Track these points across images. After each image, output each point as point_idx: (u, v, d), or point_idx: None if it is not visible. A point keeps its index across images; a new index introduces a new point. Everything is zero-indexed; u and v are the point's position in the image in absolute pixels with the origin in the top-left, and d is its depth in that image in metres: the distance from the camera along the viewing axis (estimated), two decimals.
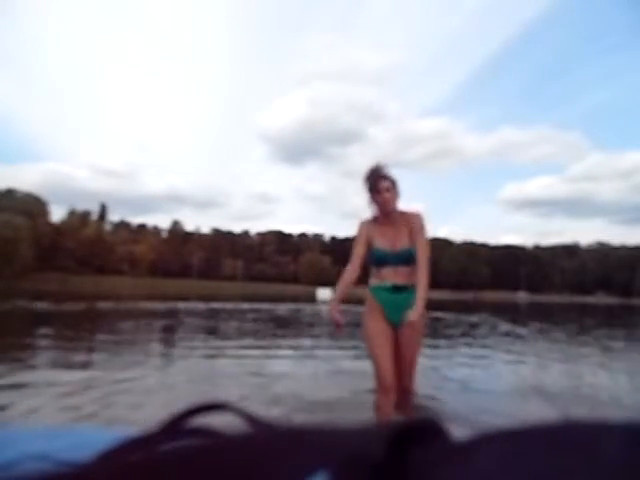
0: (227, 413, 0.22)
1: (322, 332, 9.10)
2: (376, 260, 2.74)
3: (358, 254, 2.74)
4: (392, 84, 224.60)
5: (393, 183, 2.69)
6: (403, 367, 2.70)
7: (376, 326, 2.72)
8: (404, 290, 2.70)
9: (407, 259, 2.69)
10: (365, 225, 2.79)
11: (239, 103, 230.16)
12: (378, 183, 2.66)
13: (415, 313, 2.53)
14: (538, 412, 3.46)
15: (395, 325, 2.71)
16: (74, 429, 0.45)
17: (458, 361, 5.92)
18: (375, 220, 2.78)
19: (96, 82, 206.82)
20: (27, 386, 3.70)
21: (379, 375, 2.63)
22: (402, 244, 2.70)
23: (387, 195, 2.65)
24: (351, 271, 2.73)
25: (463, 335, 9.34)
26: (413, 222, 2.70)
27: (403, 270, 2.71)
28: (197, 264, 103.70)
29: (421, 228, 2.68)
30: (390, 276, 2.73)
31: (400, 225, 2.73)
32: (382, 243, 2.73)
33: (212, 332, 8.35)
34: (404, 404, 2.75)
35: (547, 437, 0.16)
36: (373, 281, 2.80)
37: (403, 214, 2.76)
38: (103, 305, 15.95)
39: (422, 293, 2.60)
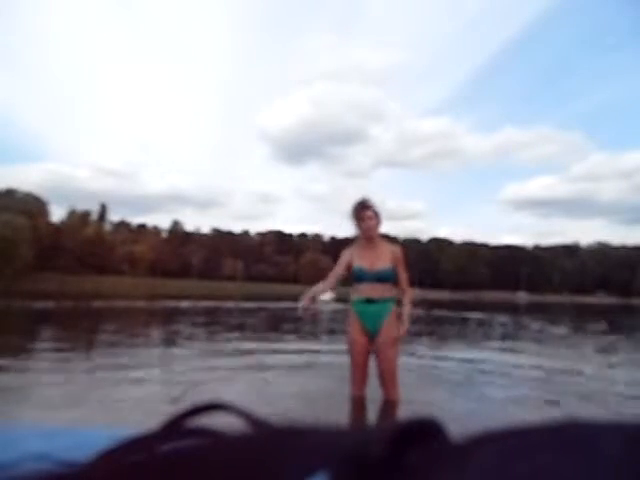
0: (227, 413, 0.22)
1: (322, 330, 9.13)
2: (355, 277, 3.24)
3: (335, 273, 3.28)
4: (393, 84, 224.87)
5: (376, 214, 3.21)
6: (382, 374, 3.18)
7: (353, 338, 3.22)
8: (377, 302, 3.19)
9: (383, 278, 3.18)
10: (349, 250, 3.32)
11: (240, 103, 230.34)
12: (363, 213, 3.18)
13: (403, 328, 3.17)
14: None
15: (371, 335, 3.21)
16: (74, 429, 0.45)
17: None
18: (358, 244, 3.30)
19: (97, 82, 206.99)
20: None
21: (352, 376, 3.26)
22: (380, 265, 3.18)
23: (370, 223, 3.17)
24: (324, 286, 3.24)
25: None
26: (395, 252, 3.23)
27: (379, 287, 3.20)
28: (197, 264, 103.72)
29: (402, 260, 3.25)
30: (367, 291, 3.21)
31: (381, 249, 3.23)
32: (361, 263, 3.20)
33: (212, 331, 8.35)
34: (389, 417, 2.92)
35: (546, 437, 0.16)
36: (353, 296, 3.28)
37: (386, 242, 3.31)
38: (102, 304, 15.95)
39: (408, 310, 3.23)
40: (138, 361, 4.90)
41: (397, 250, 3.26)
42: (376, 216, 3.21)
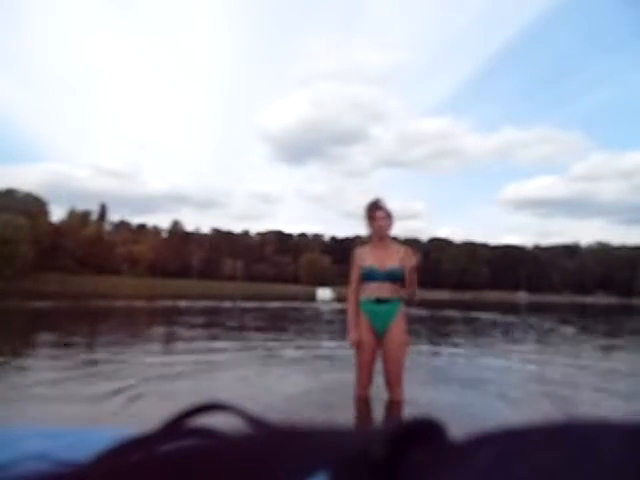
0: (227, 413, 0.22)
1: (321, 329, 9.13)
2: (365, 276, 3.23)
3: (354, 279, 3.30)
4: (394, 84, 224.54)
5: (388, 214, 3.24)
6: (388, 375, 3.17)
7: (361, 337, 3.19)
8: (386, 302, 3.19)
9: (394, 277, 3.18)
10: (358, 251, 3.33)
11: (241, 103, 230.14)
12: (375, 212, 3.22)
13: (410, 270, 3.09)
14: None
15: (379, 335, 3.20)
16: (74, 429, 0.45)
17: None
18: (370, 244, 3.32)
19: (97, 82, 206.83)
20: None
21: (357, 376, 3.24)
22: (391, 264, 3.19)
23: (382, 222, 3.21)
24: (353, 296, 3.30)
25: None
26: (405, 253, 3.22)
27: (388, 286, 3.20)
28: (197, 264, 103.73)
29: (413, 262, 3.19)
30: (375, 291, 3.21)
31: (392, 249, 3.25)
32: (372, 261, 3.22)
33: (211, 330, 8.35)
34: (394, 417, 2.92)
35: (546, 437, 0.16)
36: (362, 296, 3.28)
37: (397, 243, 3.34)
38: (102, 304, 15.95)
39: (410, 287, 3.14)
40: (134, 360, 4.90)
41: (408, 251, 3.27)
42: (388, 217, 3.25)
